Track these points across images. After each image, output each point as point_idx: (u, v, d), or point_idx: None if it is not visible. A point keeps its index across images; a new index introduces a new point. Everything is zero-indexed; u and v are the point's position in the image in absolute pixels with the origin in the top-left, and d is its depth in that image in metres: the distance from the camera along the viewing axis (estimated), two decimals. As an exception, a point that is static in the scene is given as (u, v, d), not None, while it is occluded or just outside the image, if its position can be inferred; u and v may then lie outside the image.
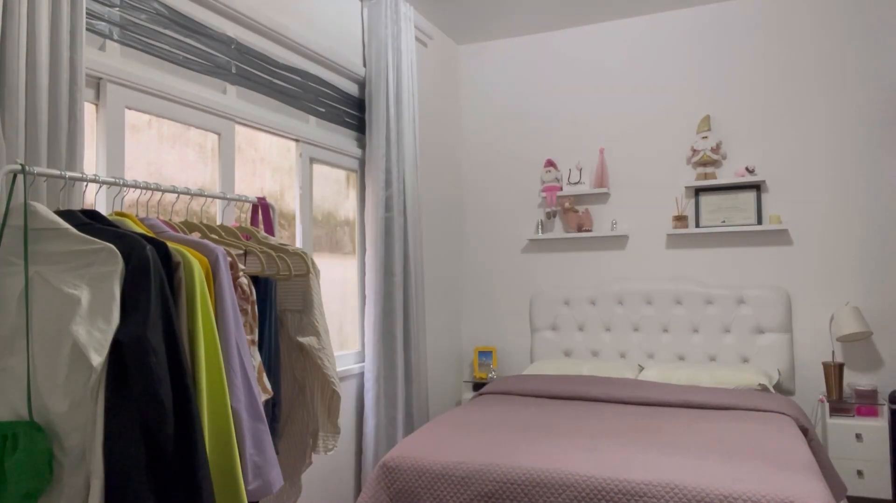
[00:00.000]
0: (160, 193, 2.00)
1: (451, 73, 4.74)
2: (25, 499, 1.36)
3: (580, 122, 4.47)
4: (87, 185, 1.83)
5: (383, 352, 3.46)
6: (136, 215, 1.77)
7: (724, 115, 4.10)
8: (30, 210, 1.45)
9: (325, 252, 3.43)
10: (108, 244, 1.41)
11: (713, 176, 4.06)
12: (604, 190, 4.30)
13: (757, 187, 3.98)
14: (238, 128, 2.80)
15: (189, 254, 1.56)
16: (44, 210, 1.47)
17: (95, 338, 1.34)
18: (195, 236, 1.83)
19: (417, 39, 4.13)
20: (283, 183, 3.13)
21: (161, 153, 2.46)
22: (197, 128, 2.59)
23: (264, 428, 1.71)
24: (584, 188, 4.38)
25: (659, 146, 4.25)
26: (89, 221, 1.55)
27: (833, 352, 3.67)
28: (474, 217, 4.77)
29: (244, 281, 1.83)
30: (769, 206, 3.98)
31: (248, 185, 2.90)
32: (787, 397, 3.40)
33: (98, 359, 1.32)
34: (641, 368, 3.96)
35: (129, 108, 2.28)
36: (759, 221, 3.96)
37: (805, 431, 2.91)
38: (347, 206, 3.64)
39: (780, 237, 3.94)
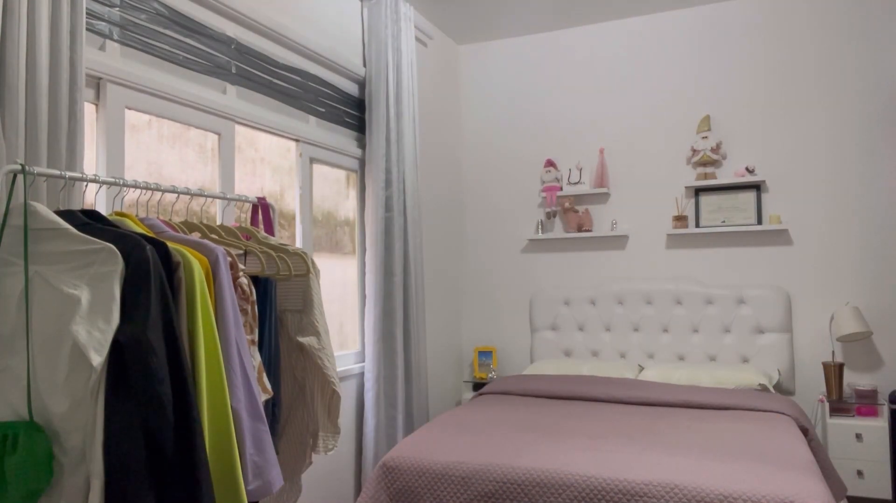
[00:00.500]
0: (160, 193, 2.00)
1: (451, 73, 4.74)
2: (25, 499, 1.36)
3: (580, 122, 4.47)
4: (87, 185, 1.83)
5: (383, 352, 3.46)
6: (136, 215, 1.77)
7: (724, 115, 4.10)
8: (30, 210, 1.45)
9: (325, 252, 3.43)
10: (108, 244, 1.41)
11: (713, 176, 4.06)
12: (604, 190, 4.30)
13: (757, 187, 3.98)
14: (238, 128, 2.80)
15: (189, 255, 1.56)
16: (44, 210, 1.46)
17: (95, 338, 1.34)
18: (195, 236, 1.83)
19: (417, 39, 4.13)
20: (283, 183, 3.13)
21: (161, 153, 2.46)
22: (197, 128, 2.59)
23: (264, 428, 1.71)
24: (584, 188, 4.38)
25: (659, 146, 4.25)
26: (89, 221, 1.55)
27: (833, 352, 3.67)
28: (474, 217, 4.77)
29: (244, 281, 1.83)
30: (769, 206, 3.98)
31: (248, 185, 2.90)
32: (787, 397, 3.40)
33: (98, 359, 1.32)
34: (641, 368, 3.96)
35: (129, 108, 2.28)
36: (759, 221, 3.96)
37: (805, 431, 2.91)
38: (347, 206, 3.64)
39: (780, 237, 3.94)
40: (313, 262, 2.20)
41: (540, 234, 4.46)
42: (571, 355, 4.28)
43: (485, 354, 4.54)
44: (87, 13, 2.07)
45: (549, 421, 2.93)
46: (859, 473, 3.38)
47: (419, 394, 3.69)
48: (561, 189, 4.43)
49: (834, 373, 3.57)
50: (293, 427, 2.23)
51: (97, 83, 2.17)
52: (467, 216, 4.80)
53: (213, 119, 2.64)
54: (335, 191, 3.54)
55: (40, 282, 1.43)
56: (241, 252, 2.04)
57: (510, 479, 2.32)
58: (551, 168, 4.44)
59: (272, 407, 2.03)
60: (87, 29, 2.09)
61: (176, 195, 2.00)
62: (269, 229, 2.35)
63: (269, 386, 1.91)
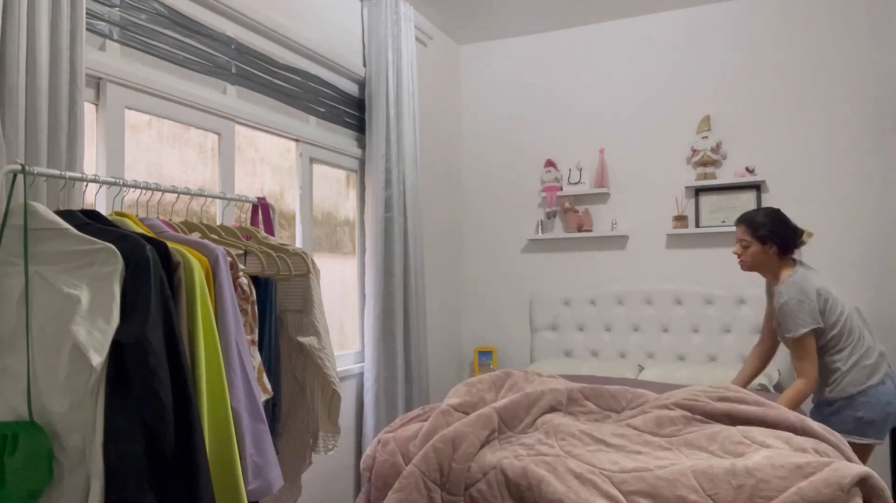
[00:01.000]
0: (160, 193, 2.00)
1: (451, 73, 4.74)
2: (25, 499, 1.36)
3: (580, 122, 4.47)
4: (87, 185, 1.83)
5: (383, 352, 3.46)
6: (136, 215, 1.77)
7: (724, 115, 4.10)
8: (30, 210, 1.45)
9: (325, 252, 3.43)
10: (108, 244, 1.41)
11: (713, 176, 4.06)
12: (604, 190, 4.30)
13: (757, 187, 3.98)
14: (238, 128, 2.80)
15: (189, 255, 1.56)
16: (44, 210, 1.47)
17: (95, 338, 1.34)
18: (195, 236, 1.83)
19: (417, 39, 4.13)
20: (283, 183, 3.13)
21: (161, 153, 2.46)
22: (197, 128, 2.59)
23: (264, 428, 1.72)
24: (584, 188, 4.38)
25: (659, 146, 4.25)
26: (89, 221, 1.55)
27: (833, 352, 3.67)
28: (474, 217, 4.77)
29: (244, 281, 1.83)
30: (769, 205, 3.97)
31: (248, 185, 2.90)
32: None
33: (98, 359, 1.32)
34: (641, 368, 3.96)
35: (129, 108, 2.28)
36: (759, 221, 3.95)
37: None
38: (347, 206, 3.64)
39: (780, 237, 3.94)
40: (313, 262, 2.20)
41: (540, 234, 4.46)
42: (571, 355, 4.28)
43: (485, 354, 4.54)
44: (87, 13, 2.07)
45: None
46: (859, 473, 3.38)
47: (419, 394, 3.69)
48: (561, 189, 4.43)
49: (834, 373, 3.57)
50: (293, 427, 2.23)
51: (97, 83, 2.17)
52: (467, 216, 4.80)
53: (213, 119, 2.64)
54: (335, 191, 3.54)
55: (40, 283, 1.43)
56: (241, 252, 2.04)
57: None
58: (551, 168, 4.44)
59: (272, 407, 2.04)
60: (87, 29, 2.08)
61: (176, 195, 2.00)
62: (269, 229, 2.35)
63: (269, 386, 1.92)
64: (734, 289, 3.93)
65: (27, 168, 1.55)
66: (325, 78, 3.35)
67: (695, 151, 4.09)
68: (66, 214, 1.54)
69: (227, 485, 1.54)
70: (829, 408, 2.69)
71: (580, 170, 4.40)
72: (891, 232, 3.72)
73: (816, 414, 2.76)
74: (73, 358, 1.36)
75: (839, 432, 2.37)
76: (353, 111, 3.59)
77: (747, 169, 3.97)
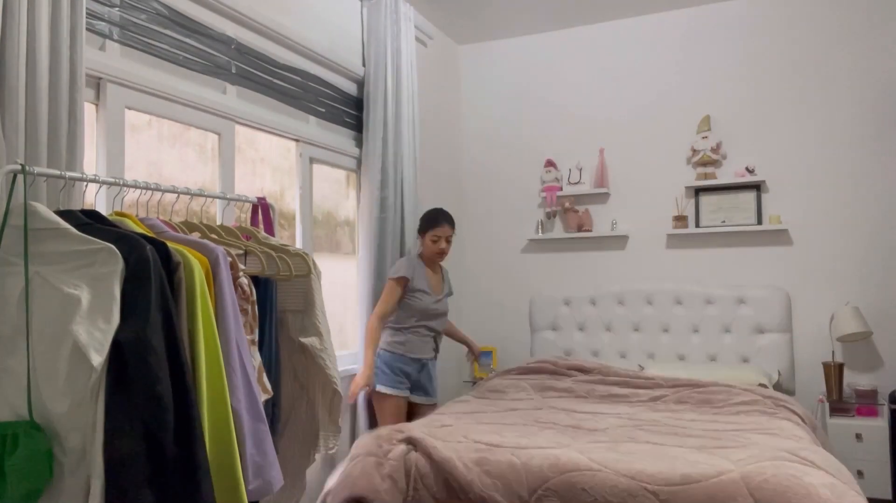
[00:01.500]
0: (160, 193, 2.00)
1: (451, 73, 4.74)
2: (25, 499, 1.36)
3: (580, 122, 4.47)
4: (87, 185, 1.83)
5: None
6: (136, 215, 1.77)
7: (724, 115, 4.10)
8: (30, 210, 1.45)
9: (325, 252, 3.43)
10: (108, 244, 1.41)
11: (713, 176, 4.06)
12: (604, 190, 4.30)
13: (757, 187, 3.98)
14: (238, 128, 2.80)
15: (189, 255, 1.56)
16: (44, 210, 1.47)
17: (96, 338, 1.34)
18: (195, 236, 1.83)
19: (417, 39, 4.12)
20: (283, 183, 3.13)
21: (161, 153, 2.46)
22: (197, 128, 2.59)
23: (264, 428, 1.72)
24: (584, 188, 4.38)
25: (659, 146, 4.25)
26: (89, 221, 1.55)
27: (833, 352, 3.67)
28: (474, 217, 4.77)
29: (244, 281, 1.83)
30: (769, 206, 3.98)
31: (248, 185, 2.90)
32: (788, 397, 3.39)
33: (98, 359, 1.32)
34: (641, 368, 3.96)
35: (129, 108, 2.28)
36: (759, 221, 3.96)
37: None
38: (347, 206, 3.64)
39: (780, 237, 3.94)
40: (315, 263, 2.20)
41: (540, 234, 4.46)
42: (571, 355, 4.28)
43: (485, 354, 4.53)
44: (87, 13, 2.07)
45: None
46: (859, 473, 3.38)
47: (419, 394, 3.67)
48: (561, 189, 4.42)
49: (834, 373, 3.57)
50: (295, 426, 2.23)
51: (97, 83, 2.17)
52: (467, 216, 4.79)
53: (213, 119, 2.64)
54: (335, 191, 3.54)
55: (40, 282, 1.42)
56: (241, 252, 2.04)
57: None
58: (551, 168, 4.44)
59: (272, 406, 2.04)
60: (87, 29, 2.08)
61: (176, 195, 2.00)
62: (269, 229, 2.35)
63: (269, 386, 1.92)
64: (734, 289, 3.93)
65: (27, 168, 1.55)
66: (324, 78, 3.35)
67: (695, 151, 4.09)
68: (66, 214, 1.54)
69: (228, 484, 1.54)
70: None
71: (580, 170, 4.40)
72: (891, 231, 3.72)
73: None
74: (73, 358, 1.36)
75: None
76: (352, 111, 3.59)
77: (747, 169, 3.97)
